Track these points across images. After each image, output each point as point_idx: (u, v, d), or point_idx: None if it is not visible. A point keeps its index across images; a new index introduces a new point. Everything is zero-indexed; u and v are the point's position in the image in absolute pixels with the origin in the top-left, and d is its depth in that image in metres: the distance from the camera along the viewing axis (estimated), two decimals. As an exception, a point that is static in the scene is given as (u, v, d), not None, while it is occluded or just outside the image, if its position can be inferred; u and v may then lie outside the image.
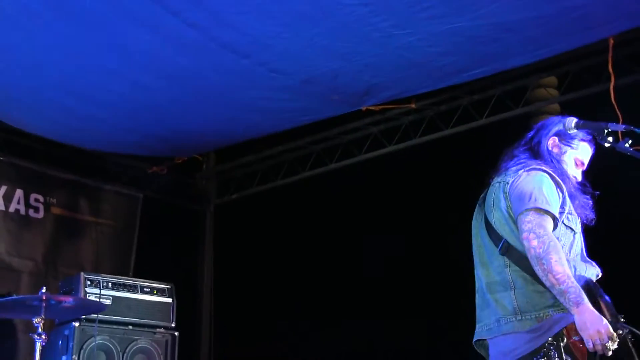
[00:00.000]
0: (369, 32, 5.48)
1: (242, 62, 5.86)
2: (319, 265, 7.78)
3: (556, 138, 3.36)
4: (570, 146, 3.35)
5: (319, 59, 5.87)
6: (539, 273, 2.98)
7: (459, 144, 7.14)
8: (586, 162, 3.39)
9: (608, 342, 2.85)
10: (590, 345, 2.87)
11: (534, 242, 3.00)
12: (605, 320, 2.89)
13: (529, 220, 3.06)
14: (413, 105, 7.16)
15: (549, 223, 3.08)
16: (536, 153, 3.34)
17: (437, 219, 6.66)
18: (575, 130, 3.22)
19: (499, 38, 5.58)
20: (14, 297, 4.73)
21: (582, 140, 3.37)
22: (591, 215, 3.28)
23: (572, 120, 3.23)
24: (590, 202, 3.30)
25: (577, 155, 3.37)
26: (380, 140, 7.58)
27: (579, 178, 3.37)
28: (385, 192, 7.46)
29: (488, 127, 6.93)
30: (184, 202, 8.53)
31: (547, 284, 2.97)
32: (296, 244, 7.82)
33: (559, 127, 3.35)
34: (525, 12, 5.25)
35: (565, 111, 7.07)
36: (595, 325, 2.87)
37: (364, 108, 6.89)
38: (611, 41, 5.88)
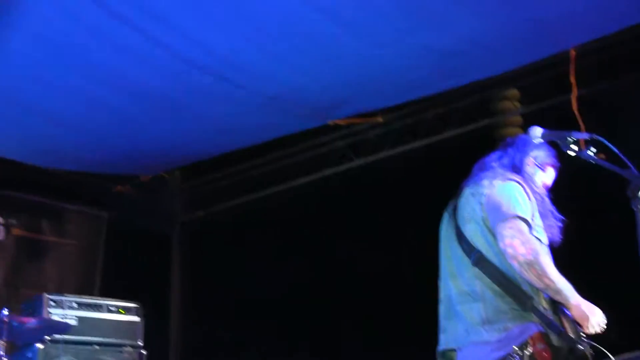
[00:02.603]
0: (335, 47, 5.50)
1: (206, 78, 5.83)
2: (289, 281, 7.72)
3: (532, 159, 3.44)
4: (542, 169, 3.45)
5: (285, 74, 5.87)
6: (530, 277, 3.05)
7: (426, 156, 7.17)
8: (549, 186, 3.50)
9: (604, 322, 3.13)
10: (592, 330, 3.10)
11: (521, 249, 3.05)
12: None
13: (511, 227, 3.10)
14: (380, 119, 7.18)
15: (527, 230, 3.13)
16: (512, 166, 3.40)
17: (409, 231, 6.67)
18: (540, 140, 3.25)
19: (463, 51, 5.62)
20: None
21: (552, 166, 3.48)
22: (558, 237, 3.35)
23: (538, 130, 3.26)
24: (559, 224, 3.36)
25: (545, 179, 3.47)
26: (348, 154, 7.59)
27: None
28: (354, 206, 7.46)
29: (454, 139, 6.97)
30: (150, 221, 8.43)
31: (540, 286, 3.07)
32: (264, 260, 7.77)
33: (537, 151, 3.44)
34: (488, 25, 5.30)
35: (528, 123, 7.17)
36: (593, 312, 3.11)
37: (330, 122, 6.89)
38: (573, 52, 5.96)
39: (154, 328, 6.73)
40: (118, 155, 7.19)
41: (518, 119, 7.17)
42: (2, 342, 4.54)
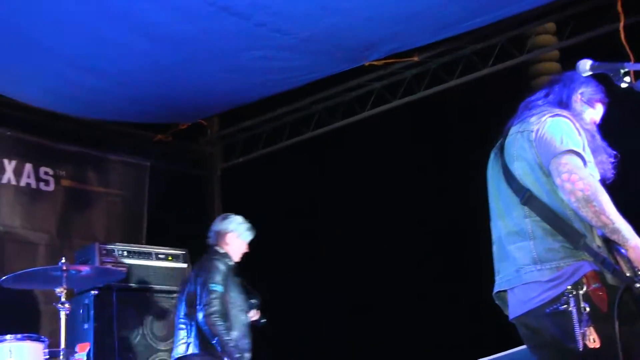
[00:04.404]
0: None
1: (241, 23, 5.84)
2: (329, 226, 7.79)
3: (580, 95, 3.35)
4: (590, 105, 3.36)
5: (318, 15, 5.84)
6: (587, 214, 2.96)
7: (463, 95, 7.14)
8: (598, 122, 3.40)
9: None
10: None
11: (580, 184, 2.97)
12: None
13: (566, 162, 3.02)
14: (416, 58, 7.15)
15: (583, 165, 3.06)
16: (559, 103, 3.31)
17: (451, 171, 6.65)
18: (590, 73, 3.17)
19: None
20: (35, 268, 4.79)
21: (601, 102, 3.39)
22: (610, 173, 3.27)
23: (587, 62, 3.12)
24: (612, 160, 3.28)
25: (594, 115, 3.38)
26: (384, 95, 7.59)
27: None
28: (393, 148, 7.45)
29: (491, 76, 6.92)
30: (190, 168, 8.57)
31: (597, 224, 2.97)
32: (304, 205, 7.85)
33: (584, 87, 3.35)
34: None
35: (566, 58, 7.10)
36: None
37: (366, 63, 6.88)
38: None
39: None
40: (157, 105, 7.27)
41: (556, 53, 7.09)
42: (62, 289, 4.70)
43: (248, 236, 5.69)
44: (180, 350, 5.36)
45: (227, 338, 5.16)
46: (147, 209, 7.98)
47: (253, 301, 5.59)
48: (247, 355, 5.34)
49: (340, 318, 7.50)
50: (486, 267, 3.37)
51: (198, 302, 5.25)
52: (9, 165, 7.12)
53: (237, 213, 8.20)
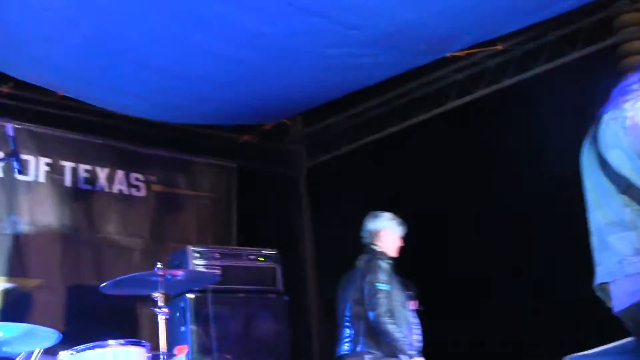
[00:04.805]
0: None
1: (321, 22, 5.86)
2: (419, 222, 7.70)
3: None
4: None
5: (397, 10, 5.80)
6: None
7: (548, 82, 6.96)
8: None
9: None
10: None
11: None
12: None
13: None
14: (499, 47, 7.02)
15: None
16: None
17: (545, 161, 6.47)
18: None
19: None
20: (133, 274, 4.91)
21: None
22: None
23: None
24: None
25: None
26: (468, 86, 7.48)
27: None
28: (479, 140, 7.30)
29: (579, 61, 6.73)
30: (276, 168, 8.65)
31: None
32: (392, 201, 7.78)
33: None
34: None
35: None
36: None
37: (448, 55, 6.79)
38: None
39: (290, 273, 6.94)
40: (241, 106, 7.36)
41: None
42: (159, 294, 4.80)
43: (401, 231, 5.76)
44: (346, 347, 5.50)
45: (399, 335, 5.29)
46: (236, 210, 8.08)
47: (410, 292, 5.65)
48: (417, 348, 5.46)
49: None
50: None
51: (367, 302, 5.36)
52: (102, 173, 7.33)
53: (325, 211, 8.33)
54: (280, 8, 5.61)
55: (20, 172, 4.64)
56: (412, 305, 5.66)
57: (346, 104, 8.04)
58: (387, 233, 5.70)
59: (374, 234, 5.71)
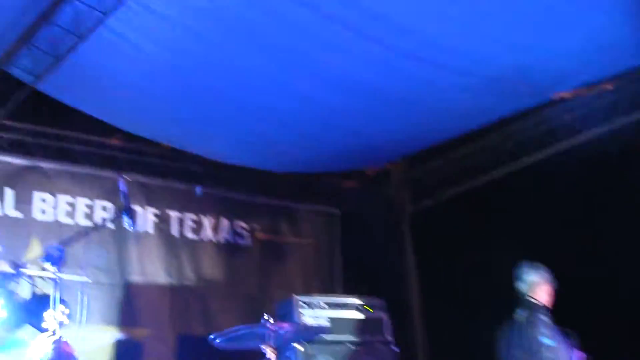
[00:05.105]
0: (550, 18, 5.28)
1: (424, 67, 5.84)
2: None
3: None
4: None
5: (504, 54, 5.74)
6: None
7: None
8: None
9: None
10: None
11: None
12: None
13: None
14: (610, 87, 6.77)
15: None
16: None
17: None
18: None
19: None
20: (244, 328, 4.89)
21: None
22: None
23: None
24: None
25: None
26: (576, 127, 7.23)
27: None
28: (589, 183, 7.02)
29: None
30: (379, 213, 8.56)
31: None
32: (502, 246, 7.58)
33: None
34: None
35: None
36: None
37: (557, 96, 6.61)
38: None
39: (396, 321, 6.81)
40: (345, 153, 7.38)
41: None
42: (268, 347, 4.77)
43: (553, 283, 5.63)
44: None
45: None
46: (340, 256, 8.04)
47: (572, 340, 5.50)
48: None
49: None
50: None
51: (532, 358, 5.24)
52: (207, 222, 7.43)
53: (431, 256, 8.17)
54: (385, 56, 5.64)
55: (132, 227, 4.70)
56: (577, 356, 5.46)
57: (450, 148, 7.91)
58: (543, 285, 5.53)
59: (532, 286, 5.52)
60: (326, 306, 6.33)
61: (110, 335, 6.69)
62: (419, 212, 8.53)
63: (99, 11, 5.19)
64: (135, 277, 6.96)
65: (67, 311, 5.01)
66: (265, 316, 4.86)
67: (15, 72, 6.19)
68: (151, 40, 5.54)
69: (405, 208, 8.60)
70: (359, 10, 5.20)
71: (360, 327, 6.37)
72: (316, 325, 5.85)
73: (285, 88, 6.13)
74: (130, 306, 6.87)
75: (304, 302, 6.26)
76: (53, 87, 6.26)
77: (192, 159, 7.37)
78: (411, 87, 6.19)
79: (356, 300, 6.49)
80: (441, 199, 8.32)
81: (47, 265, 4.41)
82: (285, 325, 4.93)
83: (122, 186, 4.67)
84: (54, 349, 4.46)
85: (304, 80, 6.00)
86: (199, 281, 7.25)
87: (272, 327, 4.74)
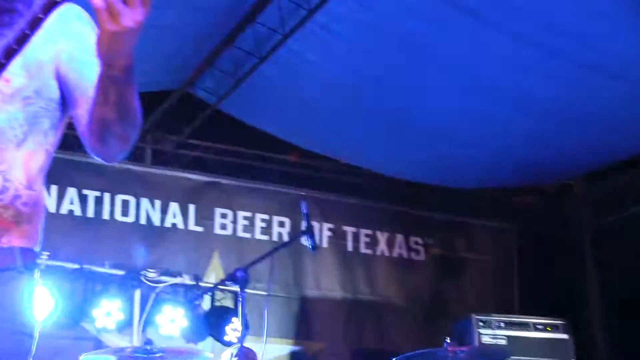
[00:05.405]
0: None
1: (607, 80, 5.58)
2: None
3: None
4: None
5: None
6: None
7: None
8: None
9: None
10: None
11: None
12: None
13: None
14: None
15: None
16: None
17: None
18: None
19: None
20: (423, 351, 4.82)
21: None
22: None
23: None
24: None
25: None
26: None
27: None
28: None
29: None
30: (558, 230, 8.22)
31: None
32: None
33: None
34: None
35: None
36: None
37: None
38: None
39: (578, 343, 6.51)
40: (522, 169, 7.18)
41: None
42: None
43: None
44: None
45: None
46: (517, 273, 7.80)
47: None
48: None
49: None
50: None
51: None
52: (382, 237, 7.43)
53: (612, 274, 7.74)
54: (567, 70, 5.45)
55: (313, 249, 4.75)
56: None
57: (633, 164, 7.49)
58: None
59: None
60: (504, 325, 6.15)
61: (286, 348, 6.81)
62: (601, 229, 8.13)
63: (280, 34, 5.32)
64: (311, 291, 7.06)
65: (247, 324, 5.15)
66: (448, 339, 4.77)
67: (200, 93, 6.48)
68: (329, 59, 5.62)
69: (586, 224, 8.22)
70: (536, 25, 5.07)
71: (542, 348, 6.13)
72: (496, 348, 5.68)
73: (461, 106, 6.05)
74: (305, 320, 6.97)
75: (482, 321, 6.11)
76: (233, 106, 6.49)
77: (367, 175, 7.40)
78: (596, 102, 5.95)
79: (537, 320, 6.26)
80: (624, 216, 7.90)
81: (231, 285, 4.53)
82: (466, 349, 4.82)
83: (304, 208, 4.72)
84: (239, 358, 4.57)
85: (483, 97, 5.92)
86: (373, 296, 7.25)
87: (453, 350, 4.64)
